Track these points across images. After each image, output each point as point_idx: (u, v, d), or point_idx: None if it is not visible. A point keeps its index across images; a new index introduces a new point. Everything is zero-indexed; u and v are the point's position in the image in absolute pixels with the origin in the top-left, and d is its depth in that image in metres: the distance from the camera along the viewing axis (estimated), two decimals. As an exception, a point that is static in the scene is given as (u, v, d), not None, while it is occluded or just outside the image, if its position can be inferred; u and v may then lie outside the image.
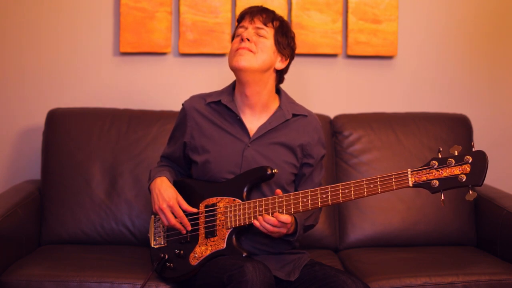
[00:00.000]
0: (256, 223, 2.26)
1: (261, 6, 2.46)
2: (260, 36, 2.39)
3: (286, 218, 2.24)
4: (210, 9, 3.23)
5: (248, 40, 2.37)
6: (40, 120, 3.15)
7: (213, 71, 3.24)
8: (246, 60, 2.36)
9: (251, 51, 2.36)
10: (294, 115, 2.46)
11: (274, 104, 2.47)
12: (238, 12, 3.20)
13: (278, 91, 2.51)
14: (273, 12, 2.44)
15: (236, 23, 2.48)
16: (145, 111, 3.11)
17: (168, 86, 3.30)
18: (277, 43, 2.41)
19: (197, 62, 3.27)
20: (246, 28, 2.40)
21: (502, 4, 3.35)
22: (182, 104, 2.53)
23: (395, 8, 3.27)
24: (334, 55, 3.31)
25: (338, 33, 3.27)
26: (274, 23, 2.41)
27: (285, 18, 3.22)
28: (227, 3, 3.24)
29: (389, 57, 3.32)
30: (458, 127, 3.11)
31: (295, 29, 3.24)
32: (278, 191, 2.29)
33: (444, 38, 3.35)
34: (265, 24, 2.40)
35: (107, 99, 3.25)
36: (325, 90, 3.33)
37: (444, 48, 3.35)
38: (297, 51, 3.23)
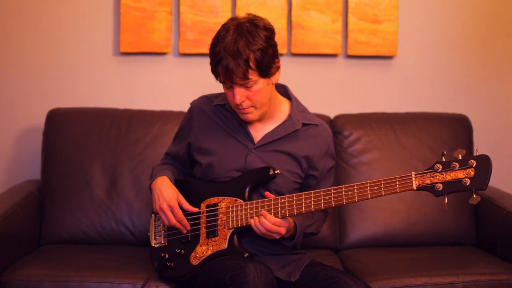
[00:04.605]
0: (252, 222, 2.26)
1: (228, 52, 2.19)
2: (249, 87, 2.25)
3: (274, 220, 2.22)
4: (210, 9, 3.23)
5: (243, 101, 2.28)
6: (40, 120, 3.15)
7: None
8: (253, 116, 2.32)
9: (252, 106, 2.30)
10: (304, 125, 2.42)
11: (283, 111, 2.42)
12: (238, 12, 3.21)
13: (288, 94, 2.46)
14: (243, 53, 2.19)
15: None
16: (145, 111, 3.11)
17: (168, 86, 3.29)
18: (265, 73, 2.25)
19: (197, 62, 3.27)
20: (231, 87, 2.26)
21: (502, 4, 3.35)
22: (190, 104, 2.52)
23: (395, 8, 3.27)
24: (334, 55, 3.31)
25: (338, 33, 3.27)
26: (251, 63, 2.21)
27: (285, 18, 3.25)
28: (227, 3, 3.23)
29: (389, 57, 3.32)
30: (458, 127, 3.11)
31: (295, 29, 3.25)
32: (267, 193, 2.28)
33: (444, 38, 3.35)
34: (246, 77, 2.21)
35: (107, 99, 3.25)
36: (325, 90, 3.33)
37: (444, 48, 3.35)
38: (297, 51, 3.26)
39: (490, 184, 3.04)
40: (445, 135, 3.08)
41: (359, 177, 2.99)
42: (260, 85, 2.27)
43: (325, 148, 2.44)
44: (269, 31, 2.27)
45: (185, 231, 2.39)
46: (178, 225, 2.38)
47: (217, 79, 2.29)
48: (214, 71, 2.27)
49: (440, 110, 3.28)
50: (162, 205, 2.37)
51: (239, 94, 2.26)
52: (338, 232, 3.01)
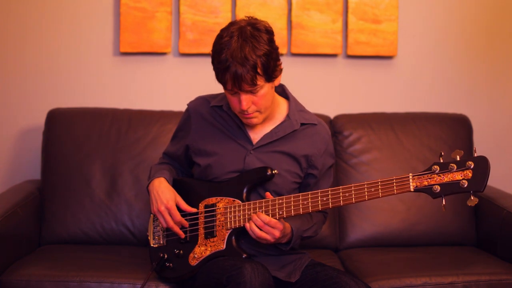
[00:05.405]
0: (247, 225, 2.25)
1: (236, 59, 2.17)
2: (255, 93, 2.23)
3: (269, 220, 2.21)
4: (210, 9, 3.23)
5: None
6: (40, 120, 3.15)
7: (213, 71, 3.24)
8: (257, 120, 2.31)
9: (257, 111, 2.28)
10: (302, 124, 2.41)
11: (281, 112, 2.41)
12: (238, 12, 3.21)
13: (285, 94, 2.45)
14: (250, 59, 2.17)
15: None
16: (145, 111, 3.11)
17: (168, 86, 3.30)
18: (270, 78, 2.24)
19: (197, 62, 3.27)
20: (237, 93, 2.23)
21: (502, 4, 3.35)
22: (187, 105, 2.51)
23: (395, 8, 3.27)
24: (334, 55, 3.31)
25: (338, 33, 3.27)
26: (259, 69, 2.18)
27: (285, 18, 3.25)
28: (227, 3, 3.23)
29: (389, 57, 3.32)
30: (458, 127, 3.11)
31: (295, 29, 3.25)
32: (268, 194, 2.27)
33: (444, 38, 3.34)
34: (254, 83, 2.19)
35: (107, 99, 3.25)
36: (325, 90, 3.33)
37: (444, 48, 3.35)
38: (297, 51, 3.26)
39: (490, 184, 3.06)
40: (445, 135, 3.08)
41: (359, 177, 2.99)
42: (265, 90, 2.25)
43: (324, 147, 2.43)
44: (270, 34, 2.26)
45: (183, 236, 2.38)
46: (175, 228, 2.37)
47: (224, 87, 2.26)
48: (221, 79, 2.23)
49: (440, 110, 3.28)
50: (160, 207, 2.36)
51: (246, 101, 2.24)
52: (338, 232, 3.01)
